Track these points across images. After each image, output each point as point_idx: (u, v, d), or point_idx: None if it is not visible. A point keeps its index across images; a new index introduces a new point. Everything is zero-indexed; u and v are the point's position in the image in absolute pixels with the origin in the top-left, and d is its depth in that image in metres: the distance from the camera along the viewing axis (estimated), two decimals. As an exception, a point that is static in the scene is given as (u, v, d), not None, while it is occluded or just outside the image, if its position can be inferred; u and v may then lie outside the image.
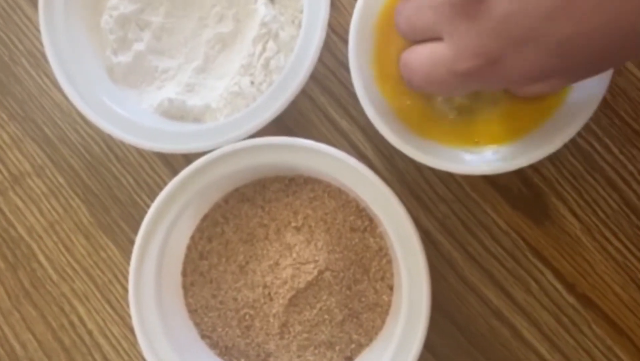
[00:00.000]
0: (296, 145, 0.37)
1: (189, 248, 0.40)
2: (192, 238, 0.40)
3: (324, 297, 0.38)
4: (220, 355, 0.40)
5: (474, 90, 0.34)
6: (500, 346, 0.40)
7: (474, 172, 0.35)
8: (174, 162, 0.43)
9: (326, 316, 0.39)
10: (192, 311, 0.40)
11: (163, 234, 0.38)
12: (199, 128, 0.39)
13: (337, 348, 0.39)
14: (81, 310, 0.43)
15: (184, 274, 0.40)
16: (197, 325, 0.40)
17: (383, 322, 0.39)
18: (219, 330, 0.40)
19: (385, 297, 0.39)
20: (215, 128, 0.38)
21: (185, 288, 0.40)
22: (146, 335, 0.37)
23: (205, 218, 0.41)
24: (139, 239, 0.38)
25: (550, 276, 0.39)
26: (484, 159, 0.36)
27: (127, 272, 0.43)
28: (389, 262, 0.39)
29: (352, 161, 0.36)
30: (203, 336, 0.40)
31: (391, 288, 0.39)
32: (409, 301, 0.37)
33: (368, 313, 0.39)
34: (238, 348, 0.40)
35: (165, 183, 0.43)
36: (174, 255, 0.40)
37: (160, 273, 0.39)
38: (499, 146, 0.36)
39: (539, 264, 0.40)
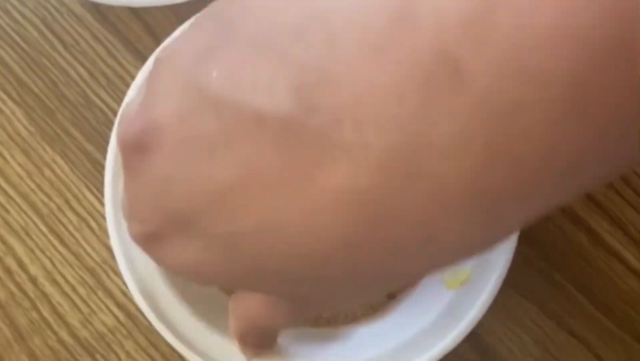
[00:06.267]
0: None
1: None
2: None
3: None
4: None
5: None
6: (577, 255, 0.32)
7: None
8: (140, 46, 0.34)
9: None
10: None
11: None
12: None
13: None
14: (20, 249, 0.33)
15: None
16: None
17: None
18: None
19: None
20: None
21: None
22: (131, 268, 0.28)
23: None
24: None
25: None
26: None
27: (82, 194, 0.33)
28: None
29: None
30: None
31: None
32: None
33: None
34: None
35: (129, 73, 0.34)
36: None
37: None
38: None
39: (619, 149, 0.32)
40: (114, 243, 0.28)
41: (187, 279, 0.21)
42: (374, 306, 0.29)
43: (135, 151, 0.19)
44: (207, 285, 0.21)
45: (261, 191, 0.17)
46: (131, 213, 0.21)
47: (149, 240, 0.20)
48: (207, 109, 0.17)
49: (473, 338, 0.32)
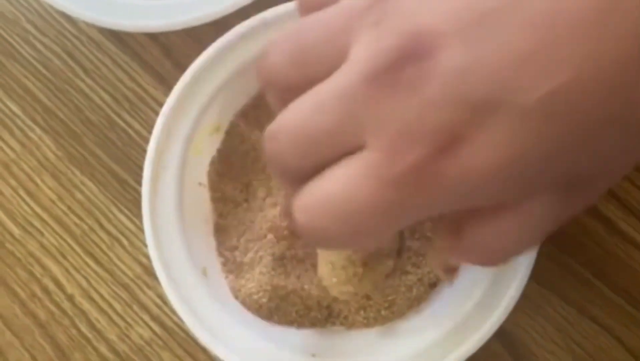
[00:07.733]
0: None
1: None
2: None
3: None
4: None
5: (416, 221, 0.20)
6: (594, 244, 0.32)
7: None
8: (159, 69, 0.34)
9: None
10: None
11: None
12: None
13: None
14: (56, 270, 0.34)
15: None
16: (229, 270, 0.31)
17: None
18: None
19: None
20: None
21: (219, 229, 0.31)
22: (174, 284, 0.29)
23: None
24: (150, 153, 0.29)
25: (644, 150, 0.32)
26: None
27: (112, 214, 0.34)
28: None
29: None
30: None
31: None
32: None
33: None
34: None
35: (150, 95, 0.34)
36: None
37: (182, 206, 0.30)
38: None
39: (629, 138, 0.32)
40: (152, 250, 0.29)
41: (481, 192, 0.18)
42: (418, 297, 0.30)
43: (416, 59, 0.18)
44: (511, 183, 0.19)
45: (574, 37, 0.17)
46: (393, 143, 0.18)
47: (442, 151, 0.18)
48: None
49: (497, 329, 0.32)
